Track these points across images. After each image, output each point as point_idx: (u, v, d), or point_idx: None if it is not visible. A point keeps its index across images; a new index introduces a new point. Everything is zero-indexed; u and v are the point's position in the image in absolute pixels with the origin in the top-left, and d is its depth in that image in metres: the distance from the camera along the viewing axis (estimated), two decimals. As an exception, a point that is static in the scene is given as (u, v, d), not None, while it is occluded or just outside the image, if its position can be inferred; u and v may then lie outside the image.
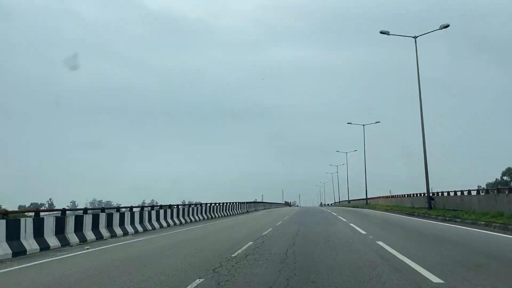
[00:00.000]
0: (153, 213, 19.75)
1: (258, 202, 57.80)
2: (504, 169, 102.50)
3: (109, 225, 15.45)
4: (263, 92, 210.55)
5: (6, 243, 10.31)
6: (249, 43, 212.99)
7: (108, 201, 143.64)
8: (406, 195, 32.10)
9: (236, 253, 9.75)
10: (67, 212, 13.81)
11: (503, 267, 7.52)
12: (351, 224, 18.63)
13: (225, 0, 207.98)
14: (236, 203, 38.42)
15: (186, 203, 61.89)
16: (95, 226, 14.43)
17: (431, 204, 23.85)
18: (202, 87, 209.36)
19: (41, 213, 12.77)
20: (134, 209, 18.34)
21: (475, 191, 21.56)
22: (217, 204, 31.81)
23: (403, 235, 13.95)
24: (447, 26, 24.73)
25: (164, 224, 20.56)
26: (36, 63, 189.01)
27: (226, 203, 35.31)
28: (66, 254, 10.87)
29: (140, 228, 17.64)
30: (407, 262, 7.85)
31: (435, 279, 6.29)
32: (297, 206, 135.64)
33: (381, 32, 27.28)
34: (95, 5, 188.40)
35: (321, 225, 19.03)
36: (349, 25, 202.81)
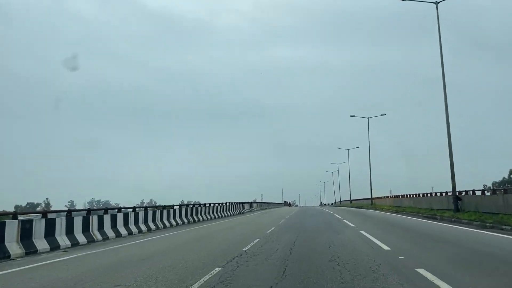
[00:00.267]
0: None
1: (254, 203, 53.55)
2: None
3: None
4: (262, 91, 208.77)
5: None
6: (248, 42, 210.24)
7: (107, 201, 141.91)
8: (421, 195, 27.82)
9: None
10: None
11: None
12: (363, 233, 14.33)
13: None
14: (226, 203, 34.11)
15: (185, 203, 58.13)
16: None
17: (458, 206, 19.52)
18: (201, 86, 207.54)
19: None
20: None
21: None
22: (201, 206, 27.47)
23: (453, 254, 9.33)
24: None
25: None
26: (34, 62, 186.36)
27: (214, 204, 31.01)
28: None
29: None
30: None
31: None
32: (297, 206, 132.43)
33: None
34: (93, 4, 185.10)
35: (324, 233, 14.72)
36: (348, 23, 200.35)
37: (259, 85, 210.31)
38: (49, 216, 12.70)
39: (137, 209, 18.77)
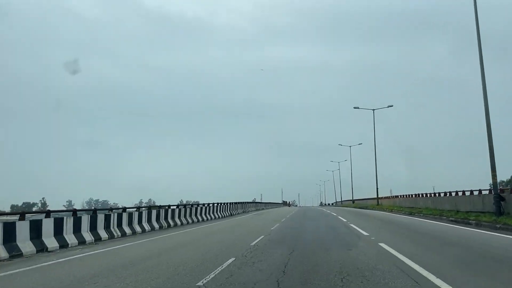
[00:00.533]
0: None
1: (249, 203, 49.16)
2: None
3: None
4: (262, 91, 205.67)
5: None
6: (248, 42, 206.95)
7: (105, 201, 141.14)
8: (443, 194, 23.43)
9: None
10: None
11: None
12: (386, 248, 10.02)
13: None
14: (213, 204, 29.72)
15: (184, 203, 54.45)
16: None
17: (501, 208, 15.13)
18: (200, 86, 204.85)
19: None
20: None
21: None
22: (180, 207, 23.11)
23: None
24: None
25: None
26: (32, 61, 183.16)
27: (198, 205, 26.67)
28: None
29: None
30: None
31: None
32: (296, 206, 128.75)
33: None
34: (92, 3, 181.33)
35: (329, 248, 10.39)
36: (347, 23, 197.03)
37: (259, 85, 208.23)
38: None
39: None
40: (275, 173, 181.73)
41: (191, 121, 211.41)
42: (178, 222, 21.94)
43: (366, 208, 43.99)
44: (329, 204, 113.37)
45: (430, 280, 6.13)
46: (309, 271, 7.16)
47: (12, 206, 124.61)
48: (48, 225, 11.80)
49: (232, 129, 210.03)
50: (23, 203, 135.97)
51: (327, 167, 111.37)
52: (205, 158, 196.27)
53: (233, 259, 8.73)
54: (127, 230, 16.21)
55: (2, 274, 7.97)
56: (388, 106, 43.69)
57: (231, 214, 33.77)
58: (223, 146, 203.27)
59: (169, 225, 20.49)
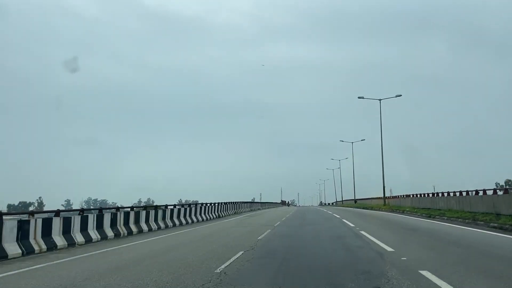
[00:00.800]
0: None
1: (244, 203, 44.79)
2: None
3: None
4: (261, 90, 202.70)
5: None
6: (247, 41, 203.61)
7: (104, 200, 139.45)
8: (465, 193, 19.06)
9: None
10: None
11: None
12: (436, 280, 5.66)
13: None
14: (195, 205, 25.35)
15: (183, 202, 50.68)
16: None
17: None
18: (199, 85, 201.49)
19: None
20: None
21: None
22: (150, 210, 18.79)
23: None
24: None
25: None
26: (31, 60, 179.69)
27: (176, 206, 22.34)
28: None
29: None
30: None
31: None
32: (296, 205, 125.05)
33: None
34: (91, 2, 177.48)
35: (343, 285, 6.00)
36: (347, 22, 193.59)
37: (258, 84, 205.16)
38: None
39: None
40: (275, 173, 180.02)
41: (190, 120, 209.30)
42: (153, 227, 17.62)
43: (371, 208, 39.65)
44: (329, 203, 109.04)
45: None
46: None
47: (9, 206, 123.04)
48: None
49: (232, 128, 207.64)
50: (20, 203, 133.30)
51: (327, 166, 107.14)
52: (204, 158, 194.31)
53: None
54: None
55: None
56: (396, 96, 39.34)
57: (218, 216, 29.38)
58: (223, 146, 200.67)
59: (139, 231, 16.14)
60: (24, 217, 11.62)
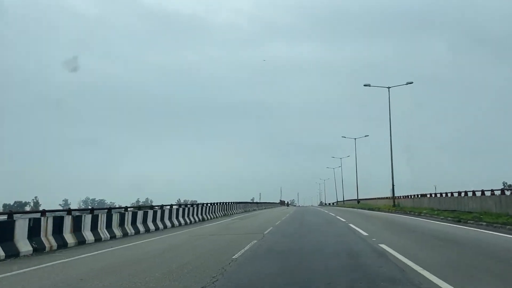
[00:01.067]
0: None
1: (238, 203, 40.46)
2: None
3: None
4: (260, 89, 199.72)
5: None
6: (246, 40, 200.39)
7: (102, 200, 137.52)
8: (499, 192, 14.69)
9: None
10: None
11: None
12: None
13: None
14: (171, 208, 20.98)
15: (182, 202, 47.42)
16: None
17: None
18: (198, 84, 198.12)
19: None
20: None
21: None
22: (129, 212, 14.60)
23: None
24: None
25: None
26: (29, 58, 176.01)
27: (157, 207, 18.07)
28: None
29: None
30: None
31: None
32: (295, 205, 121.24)
33: None
34: (90, 1, 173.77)
35: None
36: (347, 21, 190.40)
37: (258, 83, 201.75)
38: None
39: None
40: (275, 172, 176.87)
41: (189, 119, 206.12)
42: (90, 238, 13.29)
43: (378, 209, 35.27)
44: (329, 204, 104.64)
45: None
46: None
47: (4, 205, 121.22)
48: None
49: (231, 127, 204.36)
50: (15, 202, 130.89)
51: (328, 165, 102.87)
52: (204, 157, 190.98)
53: None
54: None
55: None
56: (407, 83, 34.99)
57: (202, 219, 25.00)
58: (222, 145, 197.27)
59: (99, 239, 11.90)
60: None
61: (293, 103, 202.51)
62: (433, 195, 25.02)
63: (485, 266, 7.20)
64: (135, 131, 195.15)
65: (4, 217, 10.89)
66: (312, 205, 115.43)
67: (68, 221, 12.30)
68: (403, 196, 34.98)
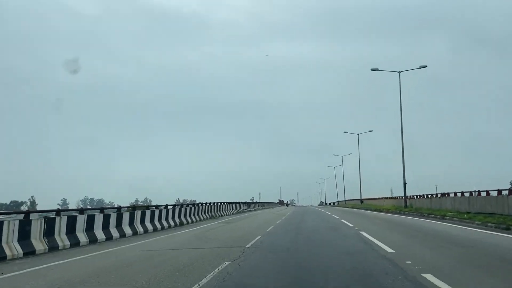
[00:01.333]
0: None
1: (229, 203, 36.21)
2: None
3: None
4: (260, 88, 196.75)
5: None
6: (246, 39, 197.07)
7: (101, 199, 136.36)
8: None
9: None
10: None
11: None
12: None
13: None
14: (145, 211, 16.74)
15: (181, 202, 44.50)
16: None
17: None
18: (197, 83, 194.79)
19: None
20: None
21: None
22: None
23: None
24: None
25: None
26: (27, 58, 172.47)
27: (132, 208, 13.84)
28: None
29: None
30: None
31: None
32: (295, 205, 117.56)
33: None
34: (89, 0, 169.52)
35: None
36: (347, 21, 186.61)
37: (258, 83, 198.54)
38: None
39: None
40: (274, 172, 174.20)
41: (188, 119, 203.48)
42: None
43: (386, 211, 31.04)
44: (330, 203, 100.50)
45: None
46: None
47: (0, 205, 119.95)
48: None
49: (231, 127, 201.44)
50: (11, 202, 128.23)
51: (328, 164, 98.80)
52: (203, 157, 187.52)
53: None
54: None
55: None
56: (421, 67, 30.72)
57: (180, 223, 20.70)
58: (222, 145, 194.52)
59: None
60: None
61: (293, 103, 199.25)
62: (458, 195, 20.74)
63: None
64: (135, 131, 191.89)
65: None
66: (311, 205, 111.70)
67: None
68: (416, 196, 30.69)
